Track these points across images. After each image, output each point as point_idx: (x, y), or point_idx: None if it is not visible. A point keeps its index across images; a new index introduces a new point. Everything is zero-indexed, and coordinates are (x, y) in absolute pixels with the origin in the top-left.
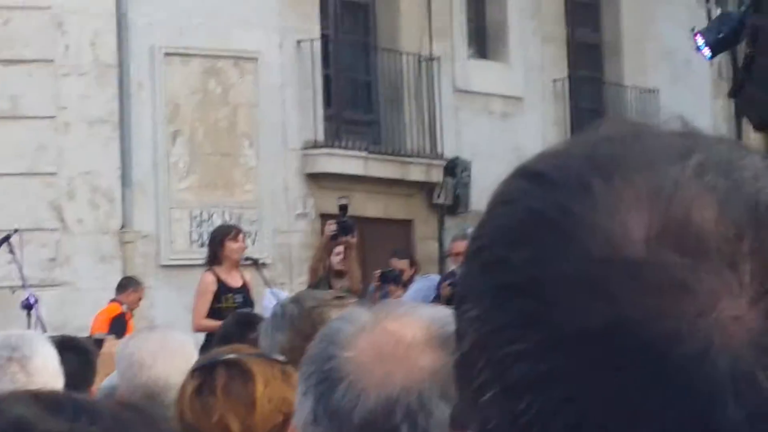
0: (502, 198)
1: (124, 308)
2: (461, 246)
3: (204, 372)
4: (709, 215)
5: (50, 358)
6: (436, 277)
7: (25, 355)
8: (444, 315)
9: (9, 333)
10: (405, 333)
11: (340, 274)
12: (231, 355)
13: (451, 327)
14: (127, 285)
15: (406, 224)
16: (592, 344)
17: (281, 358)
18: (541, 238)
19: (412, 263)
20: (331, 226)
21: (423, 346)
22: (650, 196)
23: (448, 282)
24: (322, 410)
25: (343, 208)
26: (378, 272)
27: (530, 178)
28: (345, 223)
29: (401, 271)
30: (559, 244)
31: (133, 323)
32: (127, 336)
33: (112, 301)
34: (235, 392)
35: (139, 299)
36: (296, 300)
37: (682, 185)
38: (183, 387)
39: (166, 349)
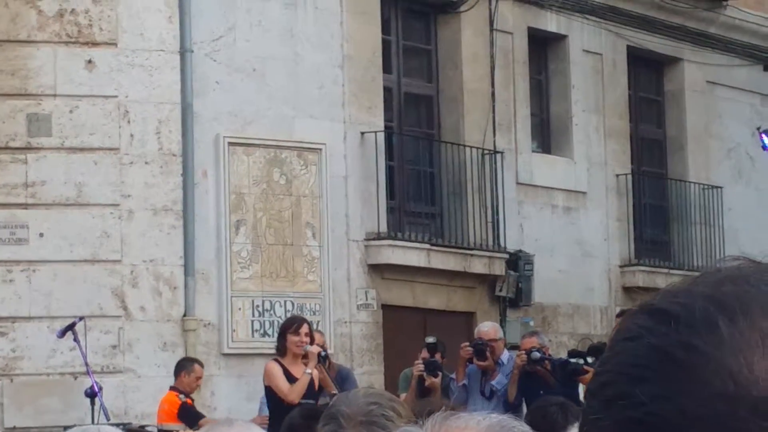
0: (626, 334)
1: (181, 398)
2: (531, 342)
3: None
4: None
5: None
6: None
7: None
8: (497, 422)
9: (85, 428)
10: None
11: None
12: None
13: None
14: (179, 369)
15: (469, 316)
16: None
17: None
18: (666, 375)
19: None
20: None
21: None
22: None
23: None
24: None
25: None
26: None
27: (654, 315)
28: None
29: (441, 361)
30: (684, 381)
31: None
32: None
33: (171, 388)
34: None
35: (197, 379)
36: None
37: None
38: None
39: None
